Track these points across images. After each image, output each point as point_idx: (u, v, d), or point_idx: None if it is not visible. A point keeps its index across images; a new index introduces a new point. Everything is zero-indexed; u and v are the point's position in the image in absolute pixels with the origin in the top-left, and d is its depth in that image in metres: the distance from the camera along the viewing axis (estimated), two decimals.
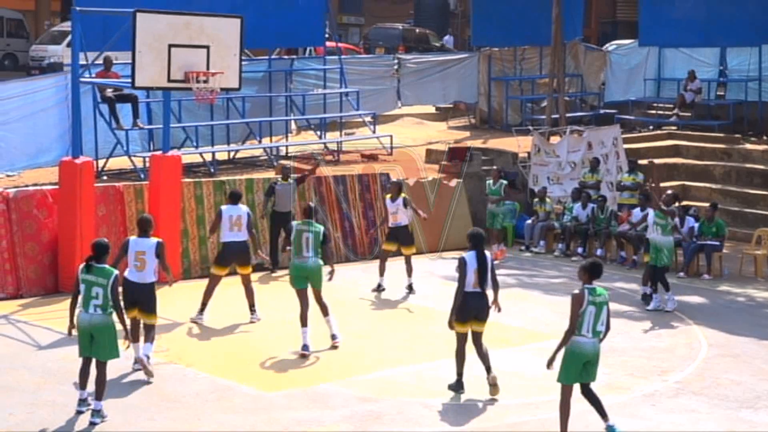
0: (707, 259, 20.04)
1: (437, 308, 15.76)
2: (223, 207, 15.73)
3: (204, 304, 15.39)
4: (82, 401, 11.55)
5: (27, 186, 18.69)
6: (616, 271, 20.41)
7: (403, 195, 17.91)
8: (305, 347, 13.93)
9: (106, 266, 11.35)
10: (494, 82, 30.13)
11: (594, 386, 13.01)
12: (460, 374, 12.66)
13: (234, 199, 15.67)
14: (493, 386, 12.49)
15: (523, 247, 22.36)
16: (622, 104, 30.51)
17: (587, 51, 31.80)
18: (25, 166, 20.94)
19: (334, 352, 14.18)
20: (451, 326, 12.47)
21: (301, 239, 14.15)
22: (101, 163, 21.37)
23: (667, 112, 29.76)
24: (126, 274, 12.76)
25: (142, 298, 12.72)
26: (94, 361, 11.40)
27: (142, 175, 20.39)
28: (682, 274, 19.91)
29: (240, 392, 12.46)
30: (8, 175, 20.61)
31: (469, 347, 12.49)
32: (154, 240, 12.86)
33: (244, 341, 14.73)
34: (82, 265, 11.49)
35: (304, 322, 14.04)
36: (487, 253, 12.57)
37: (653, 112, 30.52)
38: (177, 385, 12.57)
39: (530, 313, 16.76)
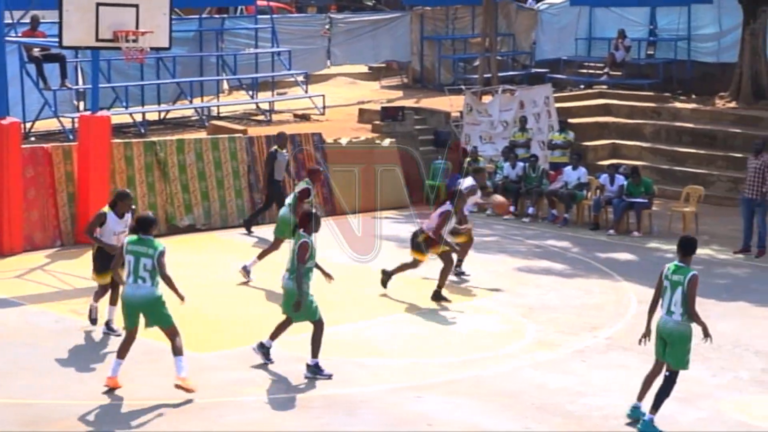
0: (636, 216, 20.25)
1: (374, 268, 15.76)
2: None
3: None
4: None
5: None
6: (547, 229, 20.60)
7: None
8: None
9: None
10: (426, 41, 30.09)
11: (524, 343, 13.21)
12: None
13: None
14: None
15: None
16: (553, 63, 30.61)
17: (518, 10, 31.84)
18: None
19: (272, 313, 14.16)
20: None
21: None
22: (29, 124, 21.03)
23: (597, 72, 29.94)
24: None
25: None
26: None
27: (71, 136, 20.11)
28: (611, 231, 20.14)
29: None
30: None
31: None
32: None
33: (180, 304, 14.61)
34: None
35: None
36: None
37: (584, 71, 30.67)
38: (112, 347, 12.44)
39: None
